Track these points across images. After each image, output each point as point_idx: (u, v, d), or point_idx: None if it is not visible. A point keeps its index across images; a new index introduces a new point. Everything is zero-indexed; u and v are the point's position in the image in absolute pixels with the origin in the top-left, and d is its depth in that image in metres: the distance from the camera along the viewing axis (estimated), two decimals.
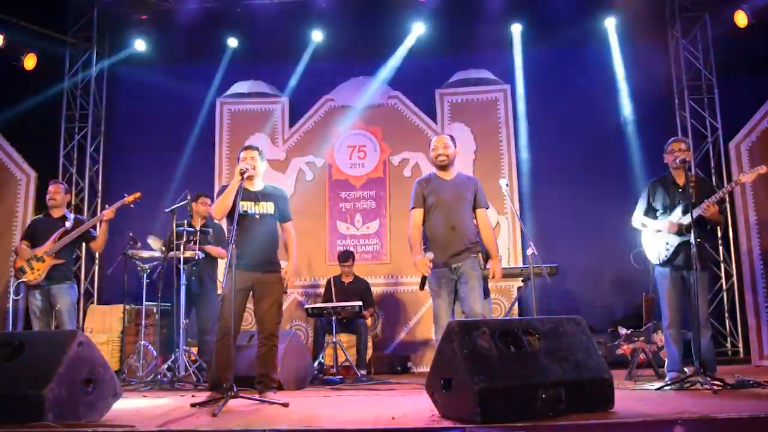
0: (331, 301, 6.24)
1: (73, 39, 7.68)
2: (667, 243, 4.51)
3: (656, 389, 4.11)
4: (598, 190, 7.20)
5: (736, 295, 6.85)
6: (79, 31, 7.69)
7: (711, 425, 2.70)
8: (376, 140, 7.67)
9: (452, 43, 7.68)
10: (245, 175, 4.04)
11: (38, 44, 7.17)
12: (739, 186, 5.07)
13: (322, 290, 6.99)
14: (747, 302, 6.36)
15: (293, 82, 7.77)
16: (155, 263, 5.83)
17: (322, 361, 6.09)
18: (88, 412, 3.14)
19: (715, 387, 3.81)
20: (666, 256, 4.52)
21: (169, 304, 5.76)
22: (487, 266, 4.36)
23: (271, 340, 4.07)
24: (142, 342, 5.73)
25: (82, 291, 7.42)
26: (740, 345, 6.84)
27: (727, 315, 6.98)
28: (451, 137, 4.44)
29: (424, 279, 4.26)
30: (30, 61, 7.07)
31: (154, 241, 5.75)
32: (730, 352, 6.88)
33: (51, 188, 5.51)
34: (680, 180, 4.55)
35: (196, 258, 5.55)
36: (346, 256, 6.73)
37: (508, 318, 6.03)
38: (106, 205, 5.37)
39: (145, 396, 4.59)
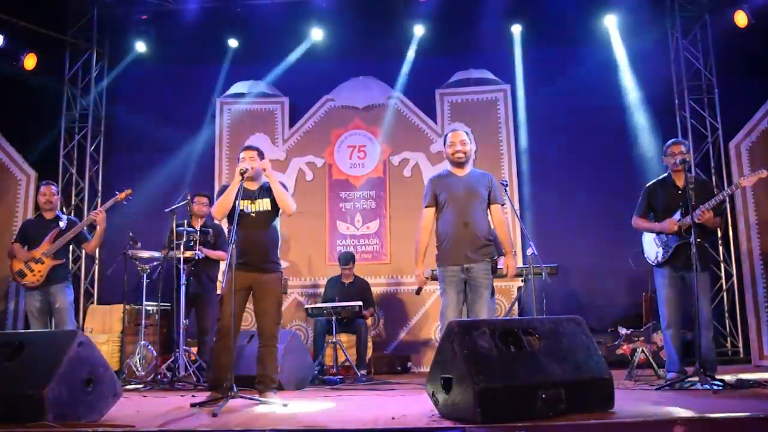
0: (331, 302, 6.24)
1: (73, 39, 7.68)
2: (667, 243, 4.51)
3: (656, 389, 4.12)
4: (598, 190, 7.21)
5: (736, 295, 6.85)
6: (79, 31, 7.69)
7: (711, 425, 2.70)
8: (376, 140, 7.67)
9: (452, 43, 7.67)
10: (245, 175, 4.04)
11: (38, 44, 7.16)
12: (739, 189, 5.06)
13: (322, 290, 6.99)
14: (747, 302, 6.36)
15: (293, 82, 7.78)
16: (155, 263, 5.82)
17: (322, 361, 6.09)
18: (88, 412, 3.14)
19: (714, 387, 3.82)
20: (665, 257, 4.52)
21: (168, 304, 5.76)
22: (500, 265, 4.33)
23: (271, 341, 4.07)
24: (142, 342, 5.73)
25: (81, 291, 7.44)
26: (740, 345, 6.84)
27: (727, 315, 6.98)
28: (467, 132, 4.37)
29: (420, 288, 4.33)
30: (30, 61, 7.07)
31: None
32: (730, 352, 6.88)
33: (44, 190, 5.50)
34: (680, 182, 4.55)
35: (196, 258, 5.54)
36: (346, 259, 6.72)
37: (508, 318, 6.03)
38: (93, 210, 5.40)
39: (145, 396, 4.59)
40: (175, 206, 5.61)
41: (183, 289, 5.49)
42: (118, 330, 6.24)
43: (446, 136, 4.38)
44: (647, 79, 7.31)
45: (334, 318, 5.96)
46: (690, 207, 4.28)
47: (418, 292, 4.42)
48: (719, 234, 6.85)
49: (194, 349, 5.85)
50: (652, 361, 5.10)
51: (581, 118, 7.31)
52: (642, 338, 5.20)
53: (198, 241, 5.59)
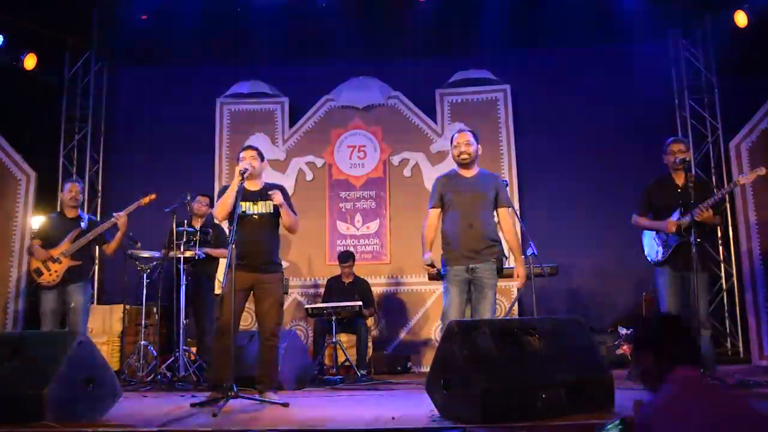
0: (331, 302, 6.24)
1: (73, 39, 7.67)
2: (667, 242, 4.51)
3: None
4: (598, 189, 7.20)
5: (736, 295, 6.85)
6: (79, 31, 7.68)
7: None
8: (376, 140, 7.66)
9: (452, 43, 7.67)
10: (245, 175, 4.04)
11: (38, 44, 7.16)
12: (738, 187, 5.06)
13: (322, 290, 6.99)
14: (747, 302, 6.35)
15: (293, 82, 7.77)
16: (155, 263, 5.82)
17: (322, 361, 6.09)
18: (88, 412, 3.14)
19: None
20: (665, 256, 4.52)
21: (166, 303, 5.76)
22: (511, 266, 4.32)
23: (272, 340, 4.07)
24: (142, 342, 5.72)
25: None
26: (740, 345, 6.84)
27: (727, 315, 6.98)
28: (474, 133, 4.35)
29: (434, 273, 4.24)
30: (30, 61, 7.06)
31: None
32: (730, 352, 6.88)
33: (71, 186, 5.43)
34: (680, 180, 4.55)
35: (196, 258, 5.55)
36: (345, 257, 6.72)
37: (508, 318, 6.03)
38: (113, 214, 5.28)
39: (145, 396, 4.59)
40: (175, 206, 5.62)
41: (183, 289, 5.49)
42: (118, 330, 6.24)
43: (452, 137, 4.37)
44: (647, 79, 7.30)
45: (334, 318, 5.96)
46: (690, 206, 4.28)
47: (434, 276, 4.30)
48: (719, 234, 6.85)
49: (194, 349, 5.86)
50: None
51: (581, 117, 7.31)
52: None
53: (198, 241, 5.59)
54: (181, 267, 5.46)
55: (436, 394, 3.08)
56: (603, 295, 7.19)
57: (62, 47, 7.64)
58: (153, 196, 5.39)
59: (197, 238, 5.59)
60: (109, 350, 6.16)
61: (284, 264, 6.89)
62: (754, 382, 4.02)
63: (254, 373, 4.12)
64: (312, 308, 6.22)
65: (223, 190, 4.19)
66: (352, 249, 7.15)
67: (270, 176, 7.22)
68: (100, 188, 7.76)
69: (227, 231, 4.77)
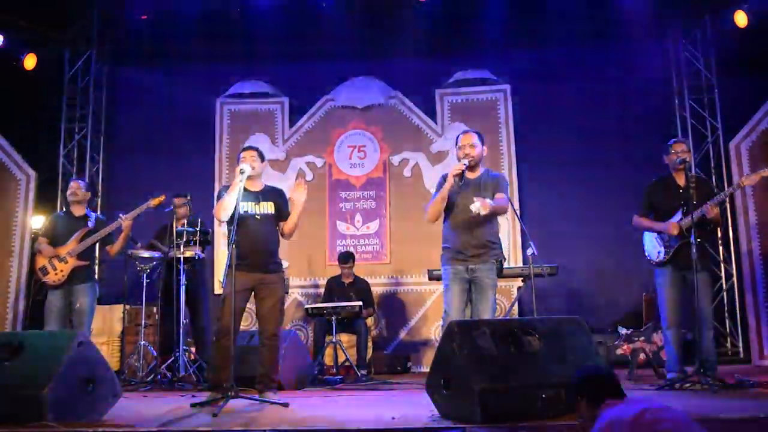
0: (331, 302, 6.24)
1: (73, 39, 7.68)
2: (668, 243, 4.51)
3: (656, 389, 4.12)
4: (598, 189, 7.21)
5: (736, 295, 6.85)
6: (79, 31, 7.68)
7: (711, 425, 2.70)
8: (376, 140, 7.66)
9: (452, 43, 7.67)
10: (245, 175, 4.04)
11: (38, 44, 7.16)
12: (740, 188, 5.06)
13: (322, 290, 6.99)
14: (747, 302, 6.36)
15: (293, 82, 7.77)
16: (155, 263, 5.82)
17: (322, 361, 6.09)
18: (88, 412, 3.14)
19: (715, 387, 3.82)
20: (666, 257, 4.51)
21: (163, 302, 5.75)
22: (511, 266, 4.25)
23: (272, 340, 4.07)
24: (142, 342, 5.72)
25: None
26: (740, 345, 6.84)
27: (727, 315, 6.98)
28: (479, 134, 4.30)
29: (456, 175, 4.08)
30: (30, 61, 7.06)
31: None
32: (730, 352, 6.88)
33: (71, 184, 5.42)
34: (681, 181, 4.55)
35: (196, 258, 5.54)
36: (346, 258, 6.72)
37: (508, 318, 6.03)
38: (120, 215, 5.24)
39: (145, 396, 4.59)
40: (174, 207, 5.61)
41: (183, 289, 5.49)
42: (118, 330, 6.24)
43: (457, 137, 4.34)
44: (647, 79, 7.31)
45: (334, 318, 5.96)
46: (691, 206, 4.28)
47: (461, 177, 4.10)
48: (719, 234, 6.85)
49: (194, 349, 5.86)
50: (652, 361, 5.10)
51: (581, 118, 7.31)
52: (642, 338, 5.20)
53: (198, 242, 5.58)
54: (181, 267, 5.46)
55: (436, 394, 3.08)
56: (603, 295, 7.19)
57: (62, 47, 7.63)
58: (162, 198, 5.33)
59: (197, 238, 5.58)
60: (109, 350, 6.15)
61: (284, 264, 6.95)
62: (754, 382, 4.02)
63: (254, 373, 4.12)
64: (312, 308, 6.22)
65: (223, 190, 4.19)
66: (352, 249, 7.15)
67: (270, 176, 7.22)
68: (100, 188, 7.75)
69: (227, 231, 4.76)
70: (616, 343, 5.36)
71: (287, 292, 6.94)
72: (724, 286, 7.01)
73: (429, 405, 3.18)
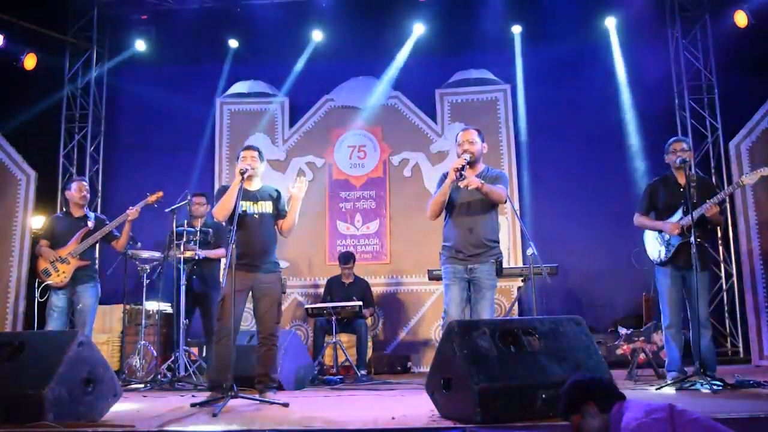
0: (331, 302, 6.24)
1: (73, 39, 7.68)
2: (669, 243, 4.51)
3: (656, 389, 4.11)
4: (598, 189, 7.21)
5: (736, 295, 6.85)
6: (79, 31, 7.69)
7: None
8: (376, 140, 7.66)
9: (452, 43, 7.67)
10: (245, 175, 4.04)
11: (38, 44, 7.16)
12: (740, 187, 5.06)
13: (322, 290, 6.99)
14: (747, 302, 6.35)
15: (293, 82, 7.77)
16: (155, 263, 5.82)
17: (322, 361, 6.09)
18: (88, 412, 3.14)
19: (714, 387, 3.82)
20: (667, 256, 4.51)
21: (169, 304, 5.77)
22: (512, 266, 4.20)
23: (271, 340, 4.07)
24: (142, 342, 5.72)
25: None
26: (740, 345, 6.84)
27: (727, 315, 6.98)
28: (479, 131, 4.25)
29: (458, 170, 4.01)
30: (30, 61, 7.07)
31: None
32: (730, 352, 6.88)
33: (80, 185, 5.39)
34: (681, 180, 4.54)
35: (196, 258, 5.54)
36: (347, 258, 6.72)
37: (508, 318, 6.03)
38: (130, 207, 5.25)
39: (145, 396, 4.59)
40: (175, 206, 5.61)
41: (183, 289, 5.49)
42: (118, 330, 6.24)
43: (457, 135, 4.32)
44: (647, 79, 7.30)
45: (334, 318, 5.96)
46: (690, 205, 4.28)
47: (461, 171, 4.03)
48: (719, 234, 6.85)
49: (194, 349, 5.85)
50: (652, 361, 5.09)
51: (581, 118, 7.31)
52: (642, 338, 5.20)
53: (198, 241, 5.58)
54: (182, 267, 5.46)
55: (436, 394, 3.08)
56: (603, 295, 7.20)
57: (62, 47, 7.64)
58: (160, 194, 5.34)
59: (197, 238, 5.58)
60: (109, 350, 6.15)
61: (284, 264, 6.97)
62: (754, 382, 4.01)
63: (254, 373, 4.12)
64: (312, 308, 6.22)
65: (222, 190, 4.19)
66: (352, 249, 7.15)
67: (270, 176, 7.22)
68: (100, 188, 7.76)
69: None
70: (616, 343, 5.35)
71: (284, 292, 6.95)
72: (724, 286, 7.01)
73: (429, 405, 3.18)
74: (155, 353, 5.75)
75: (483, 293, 4.04)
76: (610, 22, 7.38)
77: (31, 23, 7.07)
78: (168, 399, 4.30)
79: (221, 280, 3.95)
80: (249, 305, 4.24)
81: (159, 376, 5.29)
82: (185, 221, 5.75)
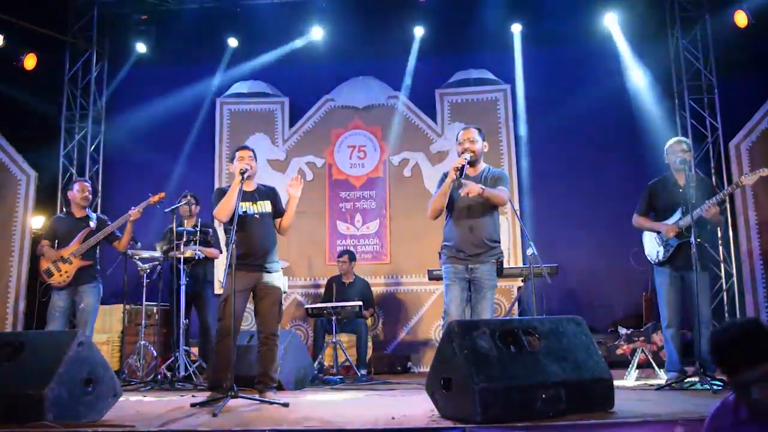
0: (331, 302, 6.24)
1: (73, 39, 7.67)
2: (667, 242, 4.51)
3: (656, 389, 4.12)
4: (598, 189, 7.21)
5: (736, 295, 6.85)
6: (79, 31, 7.68)
7: None
8: (376, 140, 7.66)
9: (452, 43, 7.67)
10: (245, 175, 4.05)
11: (38, 44, 7.16)
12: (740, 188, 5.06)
13: (322, 290, 6.99)
14: (747, 302, 6.35)
15: (293, 82, 7.77)
16: (155, 263, 5.82)
17: (322, 361, 6.09)
18: (88, 412, 3.14)
19: (714, 387, 3.82)
20: (665, 256, 4.52)
21: (168, 305, 5.77)
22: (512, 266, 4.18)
23: (272, 340, 4.07)
24: (142, 342, 5.73)
25: None
26: None
27: (727, 315, 6.97)
28: (479, 130, 4.23)
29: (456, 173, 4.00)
30: (30, 61, 7.06)
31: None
32: None
33: (82, 186, 5.39)
34: (681, 180, 4.55)
35: (196, 258, 5.54)
36: (341, 253, 6.80)
37: (508, 318, 6.03)
38: (133, 207, 5.25)
39: (145, 396, 4.59)
40: (175, 206, 5.62)
41: (183, 289, 5.49)
42: (118, 330, 6.24)
43: (458, 133, 4.32)
44: (647, 79, 7.30)
45: (334, 318, 5.96)
46: (690, 206, 4.28)
47: (462, 171, 4.01)
48: (719, 234, 6.84)
49: (194, 350, 5.86)
50: (652, 361, 5.10)
51: (581, 118, 7.30)
52: (642, 338, 5.21)
53: (198, 241, 5.59)
54: (181, 267, 5.46)
55: (436, 394, 3.08)
56: (603, 295, 7.20)
57: (62, 47, 7.64)
58: (162, 195, 5.34)
59: (197, 238, 5.58)
60: (109, 350, 6.15)
61: (284, 264, 6.97)
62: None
63: (254, 373, 4.12)
64: (312, 308, 6.22)
65: (219, 192, 4.19)
66: (352, 249, 7.14)
67: (270, 176, 7.24)
68: (100, 188, 7.75)
69: (224, 231, 4.77)
70: (616, 343, 5.36)
71: (285, 292, 6.96)
72: (724, 286, 7.01)
73: (429, 405, 3.18)
74: (155, 353, 5.75)
75: (483, 293, 4.03)
76: (610, 22, 7.36)
77: (31, 23, 7.06)
78: (168, 399, 4.30)
79: (222, 280, 3.94)
80: (249, 305, 4.24)
81: (159, 376, 5.29)
82: (176, 222, 5.73)
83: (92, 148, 7.76)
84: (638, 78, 7.32)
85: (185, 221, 5.96)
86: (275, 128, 7.78)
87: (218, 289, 6.85)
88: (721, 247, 6.99)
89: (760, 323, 1.78)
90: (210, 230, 5.85)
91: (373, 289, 6.92)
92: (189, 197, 5.98)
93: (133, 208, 5.24)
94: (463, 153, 4.13)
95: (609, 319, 6.82)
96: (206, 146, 7.73)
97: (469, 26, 7.34)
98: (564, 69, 7.41)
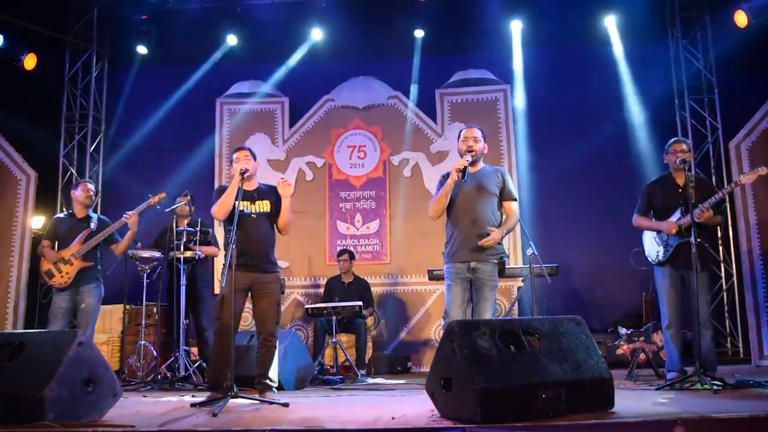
0: (331, 302, 6.24)
1: (73, 39, 7.68)
2: (667, 242, 4.51)
3: (656, 389, 4.12)
4: (598, 189, 7.21)
5: (736, 295, 6.85)
6: (79, 31, 7.69)
7: (711, 425, 2.70)
8: (376, 140, 7.66)
9: (452, 43, 7.68)
10: (245, 175, 4.04)
11: (38, 44, 7.16)
12: (739, 187, 5.06)
13: (322, 290, 6.99)
14: (747, 302, 6.35)
15: (293, 82, 7.77)
16: (155, 263, 5.82)
17: (322, 361, 6.09)
18: (88, 412, 3.14)
19: (715, 387, 3.82)
20: (665, 256, 4.52)
21: (168, 305, 5.76)
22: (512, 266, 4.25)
23: (271, 340, 4.07)
24: (142, 342, 5.72)
25: None
26: (740, 345, 6.84)
27: (727, 315, 6.98)
28: (481, 130, 4.25)
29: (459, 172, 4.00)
30: (30, 61, 7.06)
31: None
32: (730, 352, 6.88)
33: (85, 186, 5.37)
34: (681, 180, 4.55)
35: (196, 258, 5.54)
36: (341, 252, 6.80)
37: (508, 318, 6.03)
38: (126, 212, 5.22)
39: (145, 396, 4.59)
40: (174, 206, 5.62)
41: (183, 289, 5.49)
42: (118, 330, 6.24)
43: (460, 131, 4.31)
44: (647, 79, 7.31)
45: (334, 318, 5.96)
46: (690, 206, 4.28)
47: (463, 173, 4.02)
48: (719, 234, 6.84)
49: (194, 350, 5.86)
50: (652, 361, 5.09)
51: (581, 118, 7.31)
52: (642, 338, 5.20)
53: (198, 241, 5.59)
54: (181, 267, 5.46)
55: (436, 394, 3.08)
56: (603, 295, 7.20)
57: (62, 47, 7.64)
58: (162, 196, 5.34)
59: (197, 238, 5.58)
60: (109, 350, 6.15)
61: (284, 264, 6.97)
62: (754, 382, 4.02)
63: (254, 373, 4.11)
64: (312, 308, 6.22)
65: (220, 189, 4.18)
66: (352, 249, 7.14)
67: (270, 176, 7.23)
68: (100, 188, 7.75)
69: (224, 231, 4.76)
70: (616, 343, 5.36)
71: (283, 292, 6.96)
72: (724, 285, 7.01)
73: (429, 405, 3.18)
74: (155, 353, 5.75)
75: (484, 294, 4.03)
76: (610, 22, 7.37)
77: (31, 23, 7.06)
78: (168, 399, 4.30)
79: (221, 279, 3.93)
80: (248, 305, 4.24)
81: (159, 376, 5.29)
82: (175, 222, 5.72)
83: (92, 148, 7.77)
84: (638, 78, 7.31)
85: (179, 220, 5.91)
86: (275, 128, 7.78)
87: (218, 290, 6.86)
88: (721, 247, 7.00)
89: None
90: (210, 230, 5.84)
91: (373, 289, 6.92)
92: (189, 197, 5.97)
93: (127, 213, 5.19)
94: (465, 150, 4.12)
95: (609, 319, 6.82)
96: (206, 146, 7.73)
97: (469, 26, 7.35)
98: (564, 69, 7.41)
